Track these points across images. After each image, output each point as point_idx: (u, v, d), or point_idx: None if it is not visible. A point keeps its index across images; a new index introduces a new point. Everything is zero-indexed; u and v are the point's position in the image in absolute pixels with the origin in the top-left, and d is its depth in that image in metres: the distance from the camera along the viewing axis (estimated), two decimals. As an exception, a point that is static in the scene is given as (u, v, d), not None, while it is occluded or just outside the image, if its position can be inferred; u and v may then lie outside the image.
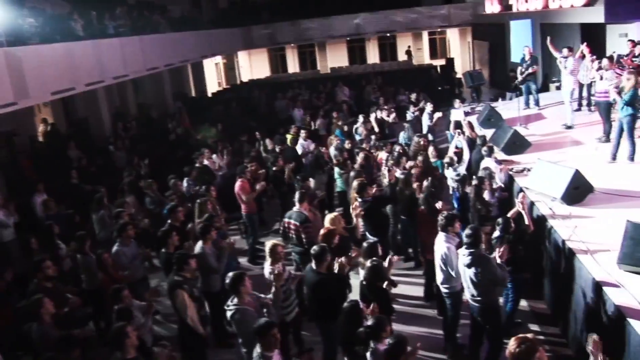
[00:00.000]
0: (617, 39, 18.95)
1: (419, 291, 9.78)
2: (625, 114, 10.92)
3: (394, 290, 9.88)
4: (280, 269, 7.59)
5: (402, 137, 14.86)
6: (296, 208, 9.46)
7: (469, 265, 7.00)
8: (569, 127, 14.42)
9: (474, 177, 10.42)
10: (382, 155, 12.62)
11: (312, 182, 11.67)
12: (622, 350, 6.18)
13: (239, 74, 39.37)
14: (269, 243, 7.97)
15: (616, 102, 11.62)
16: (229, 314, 6.86)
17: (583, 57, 14.90)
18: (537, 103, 17.27)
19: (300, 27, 34.85)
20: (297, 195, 9.59)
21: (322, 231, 8.34)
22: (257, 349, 5.95)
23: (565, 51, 14.67)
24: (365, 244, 7.78)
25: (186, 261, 7.90)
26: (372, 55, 39.57)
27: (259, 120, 22.39)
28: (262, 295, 7.36)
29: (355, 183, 9.92)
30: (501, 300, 8.46)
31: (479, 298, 7.10)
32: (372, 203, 9.56)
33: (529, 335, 4.84)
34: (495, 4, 27.07)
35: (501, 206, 10.04)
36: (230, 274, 7.10)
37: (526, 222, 8.26)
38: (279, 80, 36.02)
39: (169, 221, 9.82)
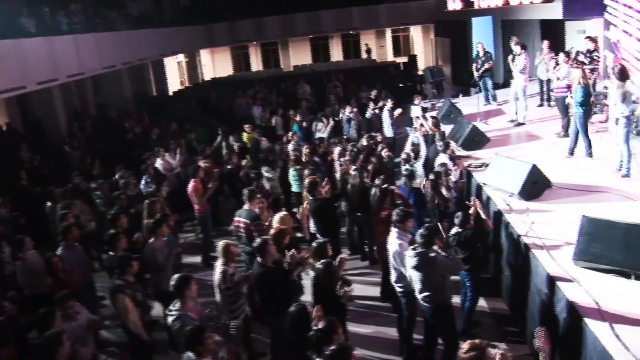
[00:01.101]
0: (576, 36, 19.12)
1: (375, 291, 9.51)
2: (576, 110, 10.85)
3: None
4: (232, 271, 7.32)
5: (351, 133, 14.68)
6: (246, 206, 9.15)
7: (416, 267, 6.76)
8: (520, 124, 14.29)
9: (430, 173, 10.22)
10: (335, 151, 12.36)
11: (265, 180, 11.37)
12: (579, 350, 5.98)
13: (201, 72, 38.85)
14: (221, 243, 7.65)
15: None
16: (169, 319, 6.48)
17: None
18: (494, 99, 17.16)
19: (262, 25, 34.50)
20: (245, 193, 9.27)
21: (272, 231, 8.04)
22: (190, 355, 5.60)
23: (517, 49, 14.52)
24: (314, 244, 7.46)
25: (129, 264, 7.52)
26: (336, 53, 39.34)
27: (219, 118, 21.98)
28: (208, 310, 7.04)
29: (306, 181, 9.64)
30: (459, 299, 8.29)
31: (429, 299, 6.85)
32: (323, 201, 9.27)
33: (480, 342, 4.62)
34: (457, 1, 27.02)
35: (458, 203, 9.85)
36: (176, 275, 6.76)
37: (486, 221, 8.03)
38: (241, 78, 35.60)
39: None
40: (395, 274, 7.49)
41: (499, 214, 9.04)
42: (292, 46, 38.44)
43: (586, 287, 6.56)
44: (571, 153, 11.21)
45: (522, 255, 7.89)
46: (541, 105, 15.64)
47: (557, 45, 18.63)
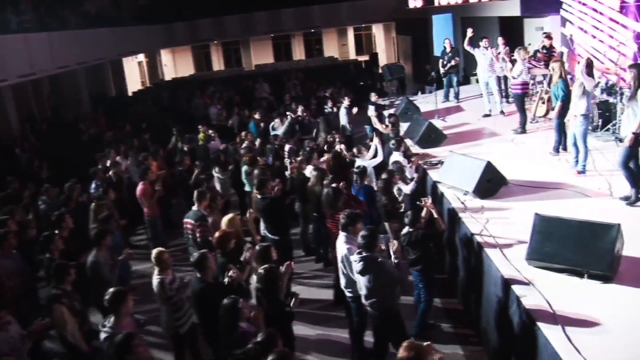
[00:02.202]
0: (534, 33, 19.16)
1: (329, 293, 9.22)
2: (555, 104, 10.73)
3: (304, 294, 9.47)
4: (170, 278, 6.99)
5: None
6: (195, 207, 8.84)
7: (361, 272, 6.48)
8: (487, 115, 14.26)
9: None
10: (285, 148, 12.07)
11: (216, 181, 11.04)
12: (532, 353, 5.77)
13: (162, 72, 38.26)
14: (154, 251, 7.29)
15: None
16: (102, 335, 6.05)
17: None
18: (456, 96, 17.06)
19: (222, 24, 34.10)
20: (195, 195, 8.94)
21: (216, 234, 7.71)
22: None
23: (485, 42, 14.41)
24: (258, 247, 7.13)
25: (66, 272, 7.12)
26: (298, 52, 39.08)
27: (177, 119, 21.53)
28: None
29: (256, 180, 9.34)
30: (413, 298, 8.06)
31: (375, 305, 6.58)
32: (272, 200, 8.95)
33: (419, 343, 4.47)
34: (418, -1, 27.08)
35: (413, 201, 9.61)
36: (111, 290, 6.30)
37: (438, 221, 7.79)
38: (203, 78, 35.14)
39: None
40: (344, 279, 7.21)
41: (453, 213, 8.83)
42: (254, 45, 38.10)
43: (539, 287, 6.35)
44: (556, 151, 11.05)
45: (475, 255, 7.68)
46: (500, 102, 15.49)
47: (517, 42, 18.70)
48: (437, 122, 13.92)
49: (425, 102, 16.31)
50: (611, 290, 6.19)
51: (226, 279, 6.60)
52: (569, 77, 10.89)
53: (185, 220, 8.96)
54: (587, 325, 5.65)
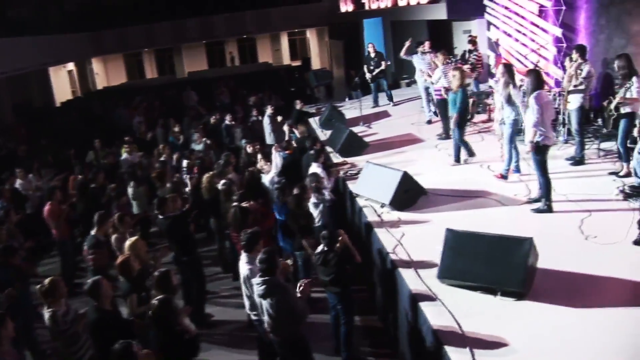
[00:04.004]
0: (462, 36, 19.17)
1: (244, 314, 8.71)
2: (451, 112, 10.51)
3: (219, 315, 8.99)
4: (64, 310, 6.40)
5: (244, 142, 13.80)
6: (93, 231, 8.21)
7: (263, 296, 6.02)
8: (429, 122, 13.95)
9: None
10: (183, 164, 11.56)
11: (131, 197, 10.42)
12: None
13: (92, 81, 37.05)
14: (46, 280, 6.67)
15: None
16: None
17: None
18: (390, 99, 16.70)
19: (153, 31, 33.27)
20: (95, 217, 8.32)
21: (118, 259, 7.15)
22: None
23: (422, 47, 14.14)
24: (156, 274, 6.59)
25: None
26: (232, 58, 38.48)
27: (101, 130, 20.67)
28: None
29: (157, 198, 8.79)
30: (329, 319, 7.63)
31: (277, 331, 6.13)
32: (175, 219, 8.40)
33: None
34: (349, 3, 26.84)
35: (332, 214, 9.22)
36: None
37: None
38: (135, 86, 34.16)
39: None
40: (247, 301, 6.75)
41: (369, 227, 8.45)
42: (187, 52, 37.24)
43: (450, 307, 6.04)
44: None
45: (389, 272, 7.32)
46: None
47: (445, 46, 18.70)
48: (362, 129, 13.59)
49: (354, 107, 15.93)
50: (524, 308, 5.93)
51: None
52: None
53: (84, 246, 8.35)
54: (495, 347, 5.37)
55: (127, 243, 7.66)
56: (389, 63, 15.91)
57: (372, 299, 8.62)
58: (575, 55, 9.92)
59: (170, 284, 6.40)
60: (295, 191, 8.52)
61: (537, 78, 8.16)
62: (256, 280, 6.14)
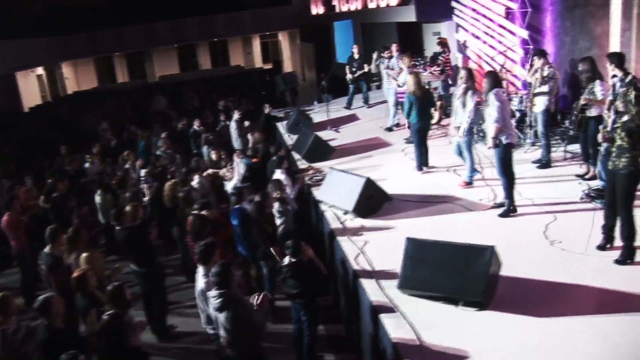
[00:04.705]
0: (432, 38, 19.17)
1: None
2: (412, 121, 10.40)
3: (182, 326, 8.74)
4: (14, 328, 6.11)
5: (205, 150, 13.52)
6: (47, 249, 7.89)
7: (219, 309, 5.81)
8: (389, 130, 13.66)
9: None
10: (141, 173, 11.31)
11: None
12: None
13: (62, 86, 36.48)
14: (-6, 296, 6.39)
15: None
16: None
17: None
18: (366, 101, 16.43)
19: (123, 34, 32.86)
20: (47, 233, 8.00)
21: (74, 274, 6.89)
22: None
23: (386, 52, 13.95)
24: (109, 288, 6.33)
25: None
26: (204, 61, 38.09)
27: (68, 136, 20.27)
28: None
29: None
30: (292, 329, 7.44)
31: (234, 346, 5.92)
32: (132, 230, 8.15)
33: None
34: (320, 6, 26.73)
35: (297, 220, 9.03)
36: None
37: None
38: (106, 90, 33.66)
39: None
40: (202, 315, 6.53)
41: (332, 235, 8.28)
42: (159, 56, 36.82)
43: (410, 318, 5.88)
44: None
45: (351, 282, 7.15)
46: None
47: (417, 48, 18.70)
48: (330, 133, 13.42)
49: (323, 111, 15.74)
50: (486, 318, 5.79)
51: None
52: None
53: (39, 262, 8.05)
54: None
55: (83, 256, 7.41)
56: (371, 67, 15.64)
57: (337, 306, 8.45)
58: (536, 60, 9.86)
59: (123, 299, 6.16)
60: (256, 199, 8.33)
61: (494, 79, 8.16)
62: (212, 293, 5.93)
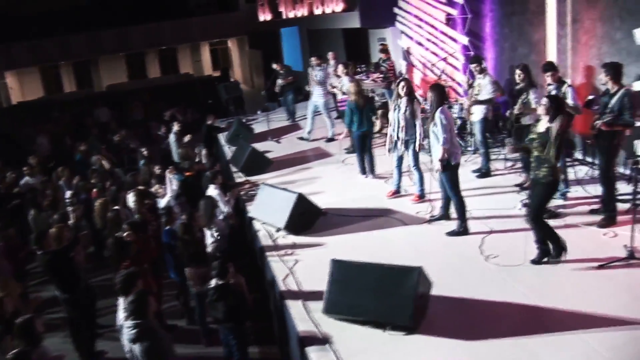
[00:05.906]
0: (377, 44, 18.96)
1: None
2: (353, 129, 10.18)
3: (112, 351, 8.27)
4: None
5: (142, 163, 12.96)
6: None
7: (133, 340, 5.43)
8: (330, 140, 13.14)
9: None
10: (67, 194, 10.80)
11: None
12: None
13: (5, 96, 35.36)
14: None
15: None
16: None
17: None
18: (292, 114, 15.74)
19: (67, 43, 31.98)
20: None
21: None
22: None
23: (313, 60, 13.47)
24: (17, 321, 5.87)
25: None
26: (153, 70, 37.34)
27: (6, 151, 19.42)
28: None
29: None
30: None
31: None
32: (55, 254, 7.64)
33: None
34: (267, 12, 26.35)
35: (233, 239, 8.66)
36: None
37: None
38: (53, 101, 32.62)
39: None
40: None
41: (262, 252, 7.96)
42: (105, 64, 35.95)
43: (336, 346, 5.59)
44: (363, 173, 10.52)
45: (279, 305, 6.82)
46: (337, 118, 14.63)
47: (361, 54, 18.50)
48: (270, 144, 13.08)
49: (267, 120, 15.36)
50: (414, 343, 5.55)
51: None
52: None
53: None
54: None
55: (-1, 283, 6.95)
56: (292, 77, 15.10)
57: (271, 328, 8.10)
58: (473, 67, 9.67)
59: (32, 333, 5.71)
60: (183, 217, 7.94)
61: (440, 93, 7.75)
62: (127, 323, 5.55)
